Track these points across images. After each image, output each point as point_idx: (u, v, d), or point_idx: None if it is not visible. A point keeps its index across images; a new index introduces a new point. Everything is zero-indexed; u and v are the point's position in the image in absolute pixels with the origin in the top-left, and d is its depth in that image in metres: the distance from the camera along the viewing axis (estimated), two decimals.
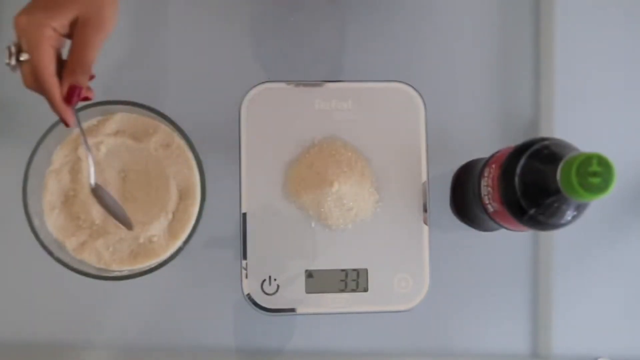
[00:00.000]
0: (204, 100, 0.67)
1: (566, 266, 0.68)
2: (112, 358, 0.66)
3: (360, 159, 0.65)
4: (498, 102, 0.69)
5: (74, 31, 0.50)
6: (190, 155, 0.62)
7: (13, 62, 0.50)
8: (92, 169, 0.58)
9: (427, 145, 0.65)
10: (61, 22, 0.49)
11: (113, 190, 0.62)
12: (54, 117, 0.60)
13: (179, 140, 0.63)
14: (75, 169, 0.63)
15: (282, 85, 0.66)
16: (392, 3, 0.70)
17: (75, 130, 0.63)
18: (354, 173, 0.64)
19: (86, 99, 0.53)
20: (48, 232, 0.61)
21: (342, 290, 0.63)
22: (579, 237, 0.68)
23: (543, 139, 0.52)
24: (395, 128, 0.65)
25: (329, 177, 0.63)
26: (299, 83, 0.66)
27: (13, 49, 0.50)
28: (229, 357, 0.66)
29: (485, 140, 0.67)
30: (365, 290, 0.64)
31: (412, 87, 0.66)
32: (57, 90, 0.50)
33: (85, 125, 0.63)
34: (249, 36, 0.69)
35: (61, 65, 0.51)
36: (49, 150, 0.62)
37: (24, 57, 0.50)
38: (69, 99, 0.50)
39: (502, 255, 0.68)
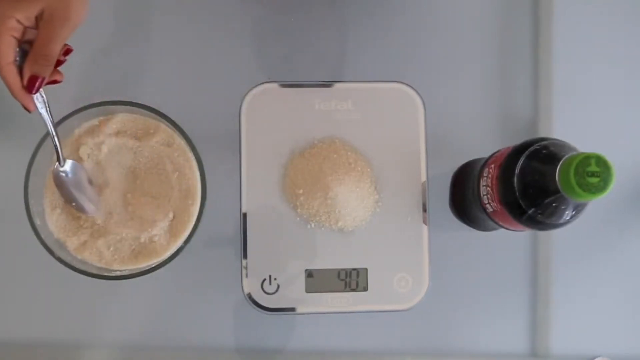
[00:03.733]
0: (204, 100, 0.67)
1: (565, 266, 0.68)
2: (112, 358, 0.66)
3: (360, 159, 0.65)
4: (497, 102, 0.70)
5: (39, 23, 0.50)
6: (190, 155, 0.62)
7: None
8: (59, 150, 0.58)
9: (427, 145, 0.65)
10: (26, 15, 0.49)
11: (115, 190, 0.63)
12: (55, 117, 0.60)
13: (179, 140, 0.63)
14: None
15: (282, 85, 0.66)
16: (392, 4, 0.70)
17: (77, 131, 0.63)
18: (354, 173, 0.64)
19: (54, 82, 0.53)
20: (49, 231, 0.62)
21: (342, 290, 0.64)
22: (578, 236, 0.68)
23: (542, 139, 0.52)
24: (395, 128, 0.66)
25: (329, 177, 0.63)
26: (299, 83, 0.66)
27: None
28: (229, 357, 0.66)
29: (485, 140, 0.67)
30: (365, 289, 0.64)
31: (412, 87, 0.66)
32: (14, 78, 0.51)
33: (86, 125, 0.63)
34: (249, 37, 0.69)
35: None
36: (50, 150, 0.62)
37: None
38: (29, 88, 0.51)
39: (501, 255, 0.68)
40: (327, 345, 0.66)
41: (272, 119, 0.65)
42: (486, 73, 0.70)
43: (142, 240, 0.62)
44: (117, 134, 0.63)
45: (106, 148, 0.63)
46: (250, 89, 0.66)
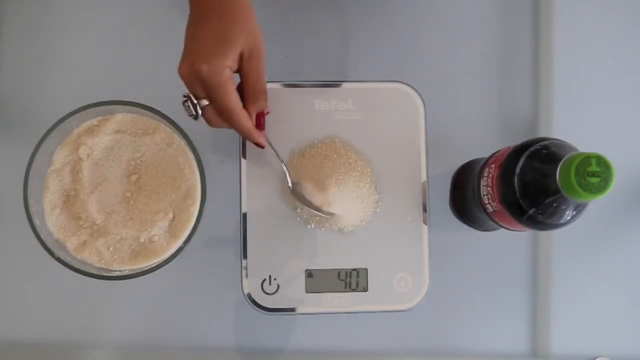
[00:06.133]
0: None
1: (565, 266, 0.68)
2: (112, 358, 0.66)
3: (360, 159, 0.65)
4: (498, 102, 0.70)
5: (241, 65, 0.52)
6: (190, 155, 0.62)
7: (195, 112, 0.53)
8: (287, 173, 0.62)
9: (427, 145, 0.65)
10: (234, 59, 0.51)
11: (115, 189, 0.63)
12: (55, 117, 0.60)
13: (179, 140, 0.63)
14: (76, 169, 0.63)
15: (283, 85, 0.66)
16: (392, 4, 0.70)
17: (76, 130, 0.63)
18: (354, 173, 0.64)
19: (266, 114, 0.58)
20: (49, 231, 0.62)
21: (342, 290, 0.64)
22: (578, 236, 0.68)
23: (542, 139, 0.52)
24: (395, 128, 0.66)
25: (329, 177, 0.63)
26: (299, 83, 0.66)
27: (194, 100, 0.53)
28: (229, 357, 0.66)
29: (485, 140, 0.67)
30: (365, 289, 0.64)
31: (412, 87, 0.66)
32: (249, 122, 0.54)
33: (85, 125, 0.63)
34: None
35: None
36: (49, 150, 0.62)
37: (204, 103, 0.53)
38: (259, 125, 0.55)
39: (502, 255, 0.68)
40: (327, 345, 0.66)
41: (272, 119, 0.65)
42: (486, 73, 0.70)
43: (142, 240, 0.62)
44: (117, 133, 0.63)
45: (106, 148, 0.63)
46: None
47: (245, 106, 0.54)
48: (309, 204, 0.62)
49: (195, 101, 0.53)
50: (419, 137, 0.66)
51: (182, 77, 0.52)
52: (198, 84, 0.52)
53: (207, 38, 0.51)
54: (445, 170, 0.68)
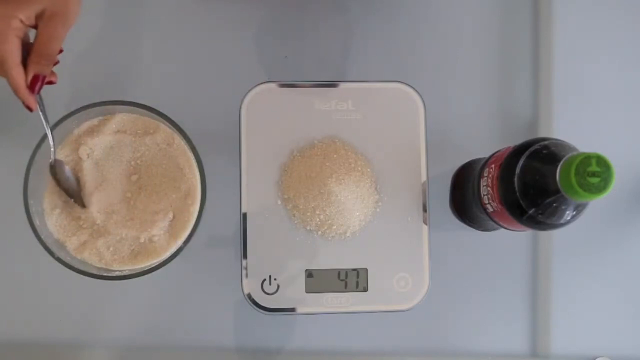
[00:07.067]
0: (204, 100, 0.67)
1: (565, 266, 0.68)
2: (112, 358, 0.66)
3: (360, 159, 0.65)
4: (498, 102, 0.70)
5: (39, 23, 0.51)
6: (190, 155, 0.62)
7: None
8: (51, 142, 0.60)
9: (427, 145, 0.65)
10: (28, 14, 0.50)
11: (115, 189, 0.63)
12: (55, 117, 0.60)
13: (179, 140, 0.63)
14: (76, 169, 0.63)
15: (283, 85, 0.66)
16: (392, 4, 0.70)
17: (76, 131, 0.63)
18: (354, 173, 0.64)
19: (50, 82, 0.55)
20: (49, 232, 0.62)
21: (342, 290, 0.64)
22: (578, 236, 0.68)
23: (542, 139, 0.52)
24: (395, 128, 0.66)
25: (329, 177, 0.63)
26: (299, 83, 0.66)
27: None
28: (229, 357, 0.66)
29: (485, 140, 0.67)
30: (365, 289, 0.64)
31: (412, 87, 0.66)
32: (21, 79, 0.52)
33: (86, 125, 0.63)
34: (249, 36, 0.69)
35: (27, 52, 0.53)
36: (50, 150, 0.62)
37: None
38: (32, 87, 0.52)
39: (502, 255, 0.68)
40: (327, 345, 0.66)
41: (272, 119, 0.65)
42: (486, 73, 0.70)
43: (142, 240, 0.62)
44: (117, 133, 0.63)
45: (106, 148, 0.63)
46: (250, 89, 0.65)
47: (25, 64, 0.52)
48: (68, 189, 0.61)
49: None
50: (419, 137, 0.66)
51: None
52: None
53: None
54: (445, 170, 0.68)
